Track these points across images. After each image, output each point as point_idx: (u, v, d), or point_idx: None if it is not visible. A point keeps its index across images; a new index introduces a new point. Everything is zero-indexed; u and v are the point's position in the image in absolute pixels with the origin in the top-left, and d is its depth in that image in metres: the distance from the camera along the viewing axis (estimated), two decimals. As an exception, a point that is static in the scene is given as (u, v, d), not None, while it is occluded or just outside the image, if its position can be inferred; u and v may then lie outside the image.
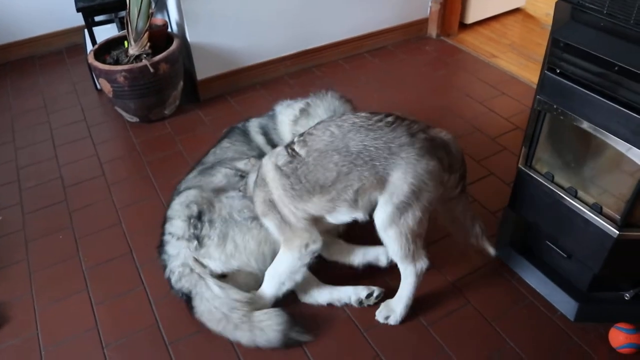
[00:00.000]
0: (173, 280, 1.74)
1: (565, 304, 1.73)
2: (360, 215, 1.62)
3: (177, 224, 1.79)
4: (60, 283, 1.95)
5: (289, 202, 1.61)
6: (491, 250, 1.76)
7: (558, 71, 1.48)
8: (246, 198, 1.79)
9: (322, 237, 1.68)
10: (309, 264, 1.69)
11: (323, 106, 1.97)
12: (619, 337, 1.60)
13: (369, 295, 1.77)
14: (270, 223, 1.68)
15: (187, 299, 1.71)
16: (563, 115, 1.51)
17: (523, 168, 1.72)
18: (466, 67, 3.18)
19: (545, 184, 1.65)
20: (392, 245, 1.61)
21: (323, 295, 1.79)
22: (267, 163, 1.66)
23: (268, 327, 1.64)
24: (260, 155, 2.01)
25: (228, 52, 2.93)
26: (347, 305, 1.79)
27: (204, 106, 2.93)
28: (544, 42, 1.51)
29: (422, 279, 1.69)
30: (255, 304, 1.71)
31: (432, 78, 3.10)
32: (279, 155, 1.63)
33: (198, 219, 1.76)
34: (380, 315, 1.74)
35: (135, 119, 2.81)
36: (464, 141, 2.51)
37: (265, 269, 1.75)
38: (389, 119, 1.56)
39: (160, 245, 1.82)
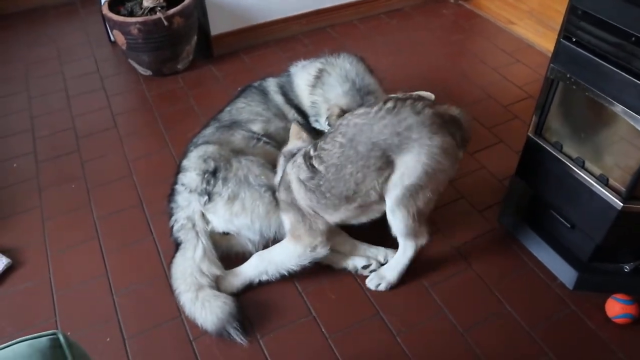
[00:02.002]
0: (175, 228, 1.79)
1: (565, 273, 1.76)
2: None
3: (190, 176, 1.81)
4: (72, 231, 2.00)
5: (317, 210, 1.62)
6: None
7: (574, 40, 1.47)
8: (266, 166, 1.80)
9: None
10: (303, 266, 1.70)
11: (335, 73, 1.94)
12: (615, 307, 1.63)
13: (365, 267, 1.80)
14: (287, 219, 1.68)
15: (176, 249, 1.76)
16: (576, 85, 1.50)
17: (532, 137, 1.72)
18: (483, 33, 3.13)
19: (554, 153, 1.65)
20: (398, 225, 1.62)
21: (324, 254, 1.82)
22: (291, 172, 1.63)
23: (210, 308, 1.62)
24: (277, 114, 2.01)
25: (243, 7, 2.90)
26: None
27: (217, 62, 2.92)
28: (564, 9, 1.49)
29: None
30: (222, 283, 1.72)
31: (447, 42, 3.06)
32: (300, 168, 1.60)
33: (213, 174, 1.78)
34: (371, 283, 1.76)
35: (148, 72, 2.81)
36: (476, 108, 2.50)
37: (263, 239, 1.78)
38: (389, 104, 1.50)
39: (171, 194, 1.86)
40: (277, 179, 1.72)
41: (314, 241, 1.66)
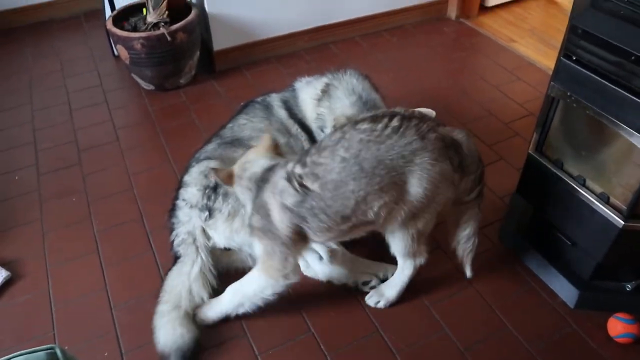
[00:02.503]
0: (175, 242, 1.79)
1: (566, 291, 1.75)
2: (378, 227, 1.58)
3: (192, 192, 1.81)
4: (72, 244, 1.99)
5: (304, 232, 1.53)
6: (468, 272, 1.72)
7: (574, 58, 1.48)
8: None
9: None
10: (278, 294, 1.64)
11: (342, 87, 1.95)
12: (617, 326, 1.62)
13: (365, 283, 1.79)
14: (261, 246, 1.59)
15: (174, 263, 1.76)
16: (576, 103, 1.50)
17: (533, 154, 1.72)
18: (484, 51, 3.15)
19: (555, 171, 1.65)
20: (397, 245, 1.61)
21: (324, 270, 1.82)
22: (272, 201, 1.50)
23: (169, 331, 1.60)
24: (280, 129, 2.00)
25: (246, 23, 2.92)
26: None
27: (219, 77, 2.94)
28: (565, 28, 1.50)
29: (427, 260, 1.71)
30: (201, 310, 1.69)
31: (448, 60, 3.08)
32: (284, 193, 1.47)
33: (214, 190, 1.78)
34: (370, 300, 1.75)
35: (151, 87, 2.83)
36: (476, 125, 2.51)
37: None
38: (395, 122, 1.45)
39: (172, 209, 1.86)
40: (248, 209, 1.61)
41: (284, 270, 1.58)
